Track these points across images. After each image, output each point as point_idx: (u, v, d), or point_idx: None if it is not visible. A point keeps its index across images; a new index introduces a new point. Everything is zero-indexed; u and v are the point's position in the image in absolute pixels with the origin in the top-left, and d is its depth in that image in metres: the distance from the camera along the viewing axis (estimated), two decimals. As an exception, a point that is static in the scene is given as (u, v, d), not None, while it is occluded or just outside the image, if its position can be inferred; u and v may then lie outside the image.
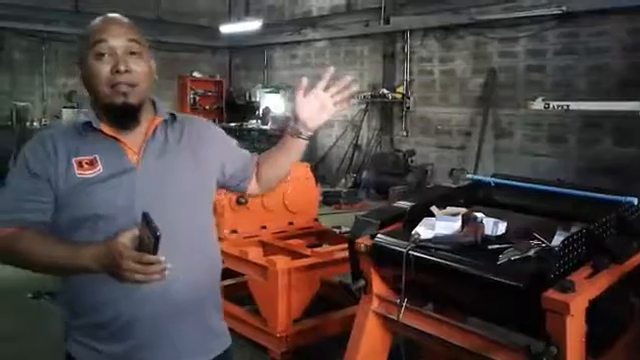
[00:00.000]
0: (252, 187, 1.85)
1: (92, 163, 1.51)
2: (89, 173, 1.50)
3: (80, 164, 1.51)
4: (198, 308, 1.62)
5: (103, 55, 1.49)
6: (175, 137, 1.62)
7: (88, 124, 1.54)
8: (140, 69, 1.52)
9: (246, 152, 1.86)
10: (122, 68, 1.48)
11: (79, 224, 1.50)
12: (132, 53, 1.51)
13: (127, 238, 1.32)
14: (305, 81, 1.74)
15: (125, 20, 1.57)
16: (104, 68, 1.49)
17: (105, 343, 1.53)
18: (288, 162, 1.87)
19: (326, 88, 1.78)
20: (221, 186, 1.80)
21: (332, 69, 1.79)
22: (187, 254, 1.55)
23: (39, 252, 1.45)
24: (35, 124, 10.89)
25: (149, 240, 1.28)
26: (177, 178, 1.58)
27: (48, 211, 1.51)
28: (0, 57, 11.59)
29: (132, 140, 1.56)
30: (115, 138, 1.55)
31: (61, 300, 1.64)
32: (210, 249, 1.71)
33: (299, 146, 1.84)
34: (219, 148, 1.75)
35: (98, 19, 1.56)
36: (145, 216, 1.30)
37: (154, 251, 1.28)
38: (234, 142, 1.84)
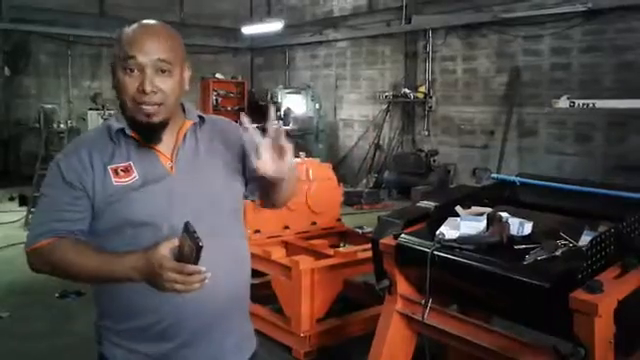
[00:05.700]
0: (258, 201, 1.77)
1: (127, 170, 1.51)
2: (125, 180, 1.50)
3: (116, 172, 1.50)
4: (235, 310, 1.64)
5: (132, 70, 1.46)
6: (205, 141, 1.61)
7: (121, 131, 1.53)
8: (168, 87, 1.48)
9: None
10: (148, 89, 1.45)
11: (118, 231, 1.49)
12: (162, 71, 1.48)
13: (166, 248, 1.32)
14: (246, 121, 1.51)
15: (161, 32, 1.51)
16: (131, 84, 1.46)
17: (147, 345, 1.54)
18: (284, 194, 1.67)
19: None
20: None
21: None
22: (225, 257, 1.55)
23: (78, 263, 1.45)
24: (62, 126, 11.07)
25: (190, 250, 1.28)
26: (211, 182, 1.57)
27: (85, 219, 1.51)
28: (27, 61, 11.82)
29: (164, 146, 1.56)
30: (147, 144, 1.54)
31: (97, 304, 1.63)
32: (244, 252, 1.71)
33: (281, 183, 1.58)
34: (248, 152, 1.67)
35: (134, 27, 1.50)
36: (187, 226, 1.29)
37: (195, 261, 1.28)
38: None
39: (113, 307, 1.56)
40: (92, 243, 1.51)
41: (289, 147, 1.47)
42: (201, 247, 1.25)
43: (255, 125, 1.50)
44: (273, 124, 1.47)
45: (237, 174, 1.66)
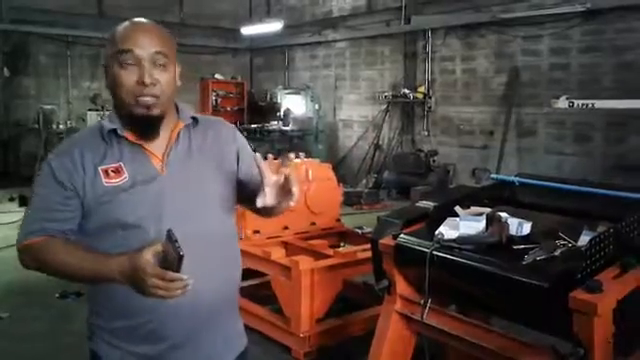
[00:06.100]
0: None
1: (118, 171, 1.52)
2: (115, 181, 1.51)
3: (106, 172, 1.51)
4: (225, 310, 1.66)
5: (129, 65, 1.48)
6: (198, 141, 1.62)
7: (113, 131, 1.54)
8: (164, 80, 1.50)
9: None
10: (147, 81, 1.47)
11: (108, 231, 1.51)
12: (158, 64, 1.50)
13: (150, 254, 1.33)
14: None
15: (154, 28, 1.54)
16: (129, 78, 1.48)
17: (137, 345, 1.55)
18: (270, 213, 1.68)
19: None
20: None
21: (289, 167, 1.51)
22: (215, 258, 1.57)
23: (68, 262, 1.47)
24: (61, 127, 11.08)
25: (172, 258, 1.30)
26: (202, 183, 1.59)
27: (75, 219, 1.53)
28: (26, 61, 11.82)
29: (156, 146, 1.56)
30: (139, 145, 1.55)
31: (90, 302, 1.66)
32: (235, 252, 1.72)
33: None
34: (241, 155, 1.70)
35: (126, 24, 1.53)
36: (169, 234, 1.31)
37: (177, 269, 1.29)
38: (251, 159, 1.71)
39: (107, 306, 1.58)
40: (82, 243, 1.52)
41: (297, 192, 1.49)
42: (182, 256, 1.27)
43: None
44: (287, 170, 1.47)
45: (230, 175, 1.66)
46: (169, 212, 1.50)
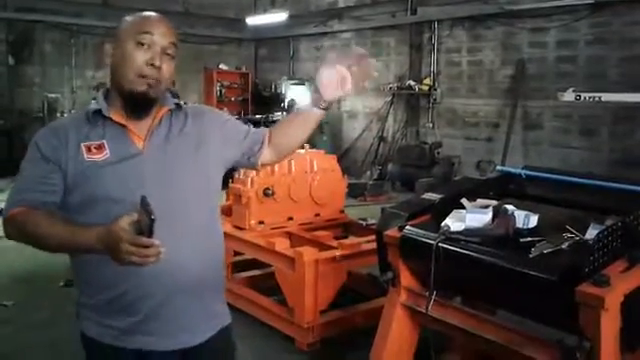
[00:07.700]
0: (265, 158, 1.91)
1: (100, 148, 1.60)
2: (97, 157, 1.59)
3: (88, 149, 1.59)
4: (202, 288, 1.70)
5: (143, 45, 1.58)
6: (179, 126, 1.71)
7: (98, 112, 1.63)
8: (168, 70, 1.63)
9: (250, 129, 1.92)
10: (157, 63, 1.58)
11: (90, 206, 1.57)
12: (167, 54, 1.62)
13: (126, 222, 1.36)
14: (332, 55, 1.79)
15: (169, 23, 1.67)
16: (139, 57, 1.58)
17: (114, 318, 1.62)
18: (302, 131, 1.90)
19: (350, 68, 1.79)
20: (233, 166, 1.88)
21: (362, 50, 1.85)
22: (194, 236, 1.64)
23: (47, 232, 1.51)
24: (65, 115, 11.06)
25: (145, 224, 1.33)
26: (180, 164, 1.66)
27: (57, 193, 1.59)
28: (31, 50, 11.80)
29: (139, 127, 1.65)
30: (123, 125, 1.63)
31: (75, 282, 1.74)
32: (215, 233, 1.79)
33: (314, 116, 1.86)
34: (222, 133, 1.81)
35: (148, 14, 1.66)
36: (143, 200, 1.34)
37: (149, 234, 1.32)
38: (237, 123, 1.92)
39: (88, 280, 1.66)
40: (63, 215, 1.58)
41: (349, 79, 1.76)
42: (154, 220, 1.30)
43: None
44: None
45: (212, 158, 1.75)
46: (149, 189, 1.52)
